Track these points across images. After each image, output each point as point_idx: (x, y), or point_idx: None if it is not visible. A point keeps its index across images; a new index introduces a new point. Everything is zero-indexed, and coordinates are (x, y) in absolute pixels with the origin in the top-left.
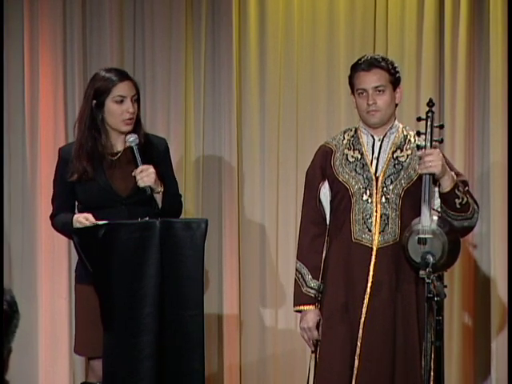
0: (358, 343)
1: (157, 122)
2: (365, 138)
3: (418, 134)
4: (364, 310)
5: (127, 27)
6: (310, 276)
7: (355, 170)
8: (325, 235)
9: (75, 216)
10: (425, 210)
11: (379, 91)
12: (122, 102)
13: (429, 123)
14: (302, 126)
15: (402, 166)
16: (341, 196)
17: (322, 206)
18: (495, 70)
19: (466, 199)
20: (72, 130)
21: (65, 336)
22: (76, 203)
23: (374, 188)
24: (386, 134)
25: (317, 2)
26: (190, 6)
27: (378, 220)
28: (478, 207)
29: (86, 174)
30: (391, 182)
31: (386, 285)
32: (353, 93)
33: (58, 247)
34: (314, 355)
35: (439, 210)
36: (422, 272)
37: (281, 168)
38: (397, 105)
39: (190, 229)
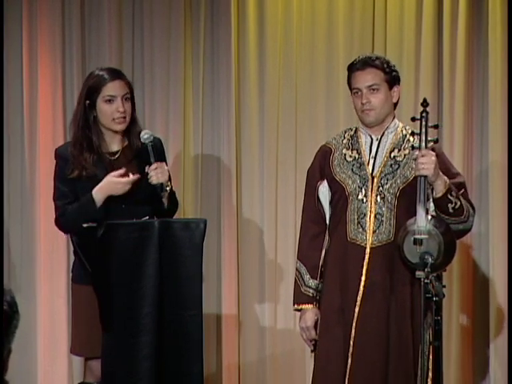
0: (351, 342)
1: (155, 122)
2: (363, 138)
3: (413, 134)
4: (357, 310)
5: (126, 27)
6: (308, 276)
7: (352, 169)
8: (324, 234)
9: (107, 179)
10: (420, 211)
11: (373, 90)
12: (111, 101)
13: (423, 123)
14: (301, 126)
15: (399, 166)
16: (338, 195)
17: (321, 205)
18: (494, 69)
19: (459, 203)
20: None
21: (64, 336)
22: None
23: (370, 187)
24: (383, 134)
25: (316, 3)
26: (189, 5)
27: (372, 219)
28: (473, 210)
29: (85, 171)
30: (387, 182)
31: (380, 286)
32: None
33: (56, 247)
34: (313, 354)
35: (434, 213)
36: (418, 272)
37: (280, 168)
38: (396, 104)
39: (189, 229)
